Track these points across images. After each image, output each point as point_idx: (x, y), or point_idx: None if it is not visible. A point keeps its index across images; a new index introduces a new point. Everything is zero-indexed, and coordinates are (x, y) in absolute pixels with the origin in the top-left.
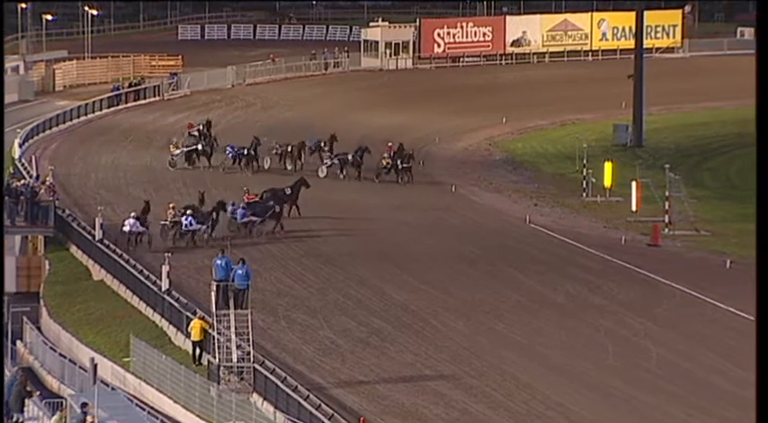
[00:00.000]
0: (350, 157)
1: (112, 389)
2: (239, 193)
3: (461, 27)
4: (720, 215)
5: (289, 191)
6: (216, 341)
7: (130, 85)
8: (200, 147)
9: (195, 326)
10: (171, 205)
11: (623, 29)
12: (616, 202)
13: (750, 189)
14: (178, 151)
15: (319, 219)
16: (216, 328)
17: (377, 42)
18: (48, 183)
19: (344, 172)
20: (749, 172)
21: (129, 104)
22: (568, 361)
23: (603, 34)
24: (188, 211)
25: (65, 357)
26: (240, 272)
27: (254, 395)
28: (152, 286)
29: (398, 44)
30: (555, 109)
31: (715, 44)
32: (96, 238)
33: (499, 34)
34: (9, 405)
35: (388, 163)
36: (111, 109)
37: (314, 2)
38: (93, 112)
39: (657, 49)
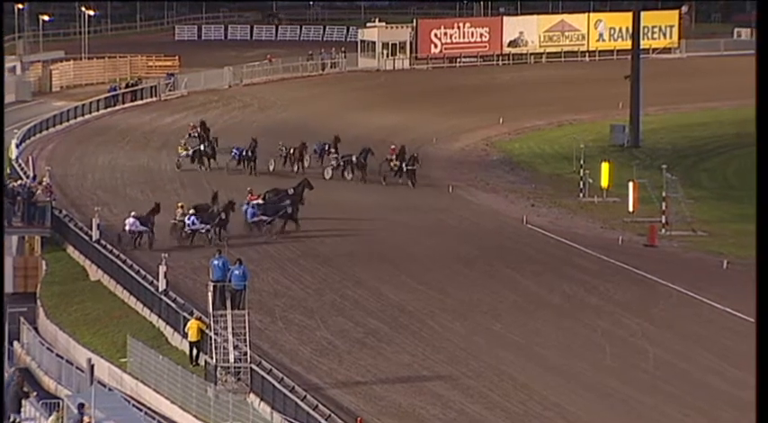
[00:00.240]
0: (354, 158)
1: (109, 389)
2: (237, 194)
3: (458, 27)
4: (717, 215)
5: (291, 191)
6: (213, 342)
7: (127, 86)
8: (201, 148)
9: (192, 326)
10: (179, 204)
11: (620, 29)
12: (613, 202)
13: (747, 189)
14: (185, 152)
15: (316, 219)
16: (213, 329)
17: (374, 43)
18: (45, 183)
19: (352, 174)
20: (746, 172)
21: (126, 105)
22: (565, 361)
23: (600, 35)
24: (190, 211)
25: (62, 358)
26: (237, 272)
27: (251, 395)
28: (149, 287)
29: (395, 45)
30: (552, 109)
31: (712, 45)
32: (93, 239)
33: (496, 35)
34: (6, 406)
35: (396, 165)
36: (108, 109)
37: (311, 2)
38: (90, 112)
39: (654, 49)
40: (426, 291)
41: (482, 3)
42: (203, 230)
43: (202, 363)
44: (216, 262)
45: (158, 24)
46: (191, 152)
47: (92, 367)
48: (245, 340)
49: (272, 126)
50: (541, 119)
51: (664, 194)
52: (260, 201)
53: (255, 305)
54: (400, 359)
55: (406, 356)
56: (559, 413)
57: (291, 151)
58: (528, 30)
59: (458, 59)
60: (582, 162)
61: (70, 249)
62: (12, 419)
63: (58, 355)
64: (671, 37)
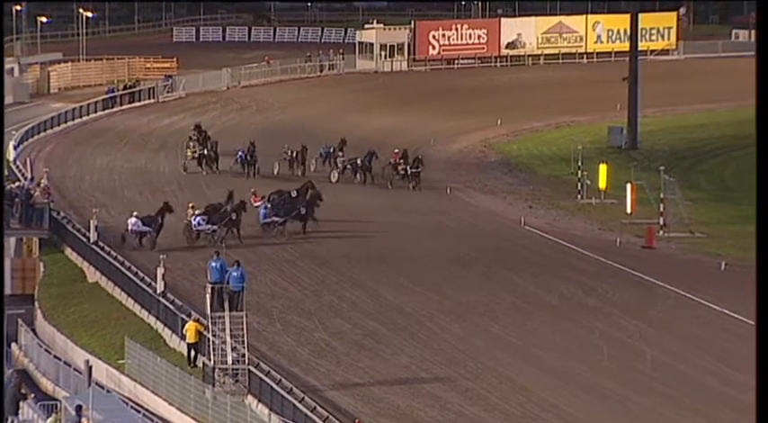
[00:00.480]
0: (359, 161)
1: (107, 391)
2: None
3: (456, 29)
4: (715, 217)
5: (295, 193)
6: (211, 343)
7: (125, 88)
8: (205, 152)
9: (190, 328)
10: (190, 204)
11: (618, 31)
12: (611, 204)
13: (745, 191)
14: (190, 155)
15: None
16: (211, 331)
17: (372, 44)
18: (42, 185)
19: (358, 177)
20: (744, 174)
21: (123, 107)
22: (563, 363)
23: (598, 36)
24: (196, 211)
25: (59, 359)
26: (235, 274)
27: (249, 397)
28: (147, 288)
29: (393, 46)
30: (550, 111)
31: (710, 46)
32: (91, 241)
33: (494, 36)
34: (4, 407)
35: (403, 168)
36: (106, 111)
37: (309, 4)
38: (88, 114)
39: (652, 51)
40: (424, 292)
41: (480, 4)
42: (209, 231)
43: (200, 364)
44: (214, 264)
45: (156, 26)
46: (197, 155)
47: (90, 369)
48: (243, 342)
49: (271, 128)
50: (539, 120)
51: (662, 196)
52: (260, 201)
53: (253, 307)
54: (398, 361)
55: (404, 358)
56: (557, 414)
57: (294, 154)
58: (526, 31)
59: (456, 61)
60: (580, 164)
61: (68, 251)
62: (10, 421)
63: (55, 356)
64: (669, 39)
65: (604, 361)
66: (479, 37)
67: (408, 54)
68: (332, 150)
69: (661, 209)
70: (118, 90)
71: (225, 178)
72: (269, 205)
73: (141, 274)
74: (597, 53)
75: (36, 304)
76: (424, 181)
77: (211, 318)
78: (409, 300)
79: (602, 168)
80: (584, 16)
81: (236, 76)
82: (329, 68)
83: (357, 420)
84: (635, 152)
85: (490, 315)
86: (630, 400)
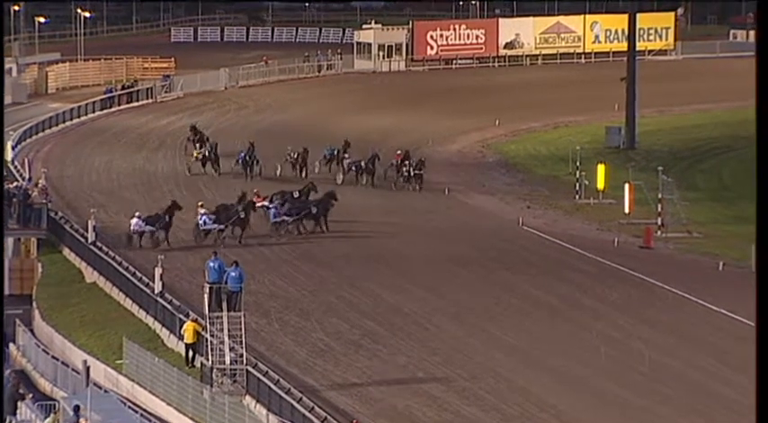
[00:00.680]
0: (363, 164)
1: (105, 391)
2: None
3: (454, 29)
4: (713, 217)
5: (297, 194)
6: (209, 343)
7: (123, 88)
8: (206, 153)
9: (188, 328)
10: (200, 203)
11: (616, 31)
12: (609, 204)
13: (742, 191)
14: (194, 157)
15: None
16: (209, 331)
17: (370, 44)
18: (40, 185)
19: (365, 179)
20: (742, 174)
21: (121, 107)
22: (561, 363)
23: (596, 37)
24: (202, 211)
25: (57, 360)
26: (233, 274)
27: (247, 397)
28: (145, 288)
29: (391, 46)
30: (548, 111)
31: (708, 46)
32: (89, 241)
33: (492, 37)
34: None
35: (407, 170)
36: (104, 111)
37: (307, 4)
38: (86, 114)
39: (650, 51)
40: (422, 293)
41: (478, 5)
42: (216, 230)
43: (198, 365)
44: (212, 264)
45: (154, 26)
46: (200, 157)
47: (87, 369)
48: (240, 342)
49: (269, 128)
50: (537, 121)
51: (659, 196)
52: (266, 203)
53: (251, 307)
54: (396, 361)
55: (401, 358)
56: (555, 415)
57: (295, 156)
58: (524, 32)
59: (454, 61)
60: (578, 164)
61: (66, 251)
62: (8, 421)
63: (53, 356)
64: (667, 39)
65: (602, 361)
66: (477, 37)
67: (406, 54)
68: (336, 152)
69: (659, 209)
70: (116, 90)
71: (224, 179)
72: (280, 205)
73: (139, 275)
74: (595, 53)
75: (34, 304)
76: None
77: (209, 318)
78: (407, 300)
79: (600, 168)
80: (582, 16)
81: (233, 76)
82: (327, 69)
83: (355, 420)
84: (633, 152)
85: (488, 315)
86: (628, 400)
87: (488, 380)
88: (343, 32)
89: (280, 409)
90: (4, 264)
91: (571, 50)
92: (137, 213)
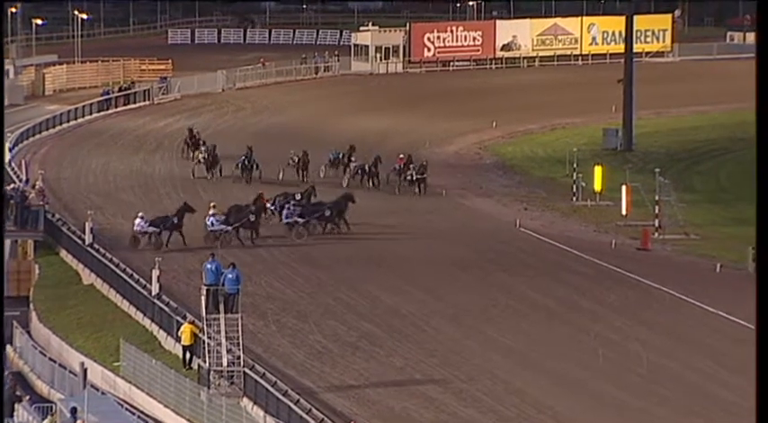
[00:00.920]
0: (366, 167)
1: (102, 393)
2: (233, 199)
3: (451, 31)
4: (710, 219)
5: (299, 196)
6: (206, 345)
7: (120, 90)
8: (205, 156)
9: (185, 330)
10: (212, 204)
11: (613, 33)
12: (606, 206)
13: (740, 193)
14: (196, 161)
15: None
16: (206, 333)
17: (367, 46)
18: (37, 187)
19: (370, 183)
20: (739, 176)
21: (119, 108)
22: (559, 365)
23: (593, 38)
24: (209, 212)
25: (55, 362)
26: (230, 276)
27: (245, 399)
28: (142, 290)
29: (389, 48)
30: (545, 113)
31: (705, 48)
32: (86, 243)
33: (489, 38)
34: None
35: (410, 174)
36: (102, 113)
37: (304, 6)
38: (84, 116)
39: (647, 53)
40: (420, 294)
41: (475, 6)
42: (223, 231)
43: (195, 366)
44: (209, 266)
45: (151, 28)
46: (202, 160)
47: (85, 371)
48: (238, 344)
49: (266, 130)
50: (534, 122)
51: (657, 198)
52: (269, 205)
53: (249, 309)
54: (393, 363)
55: (399, 360)
56: (552, 416)
57: (297, 160)
58: (521, 33)
59: (451, 63)
60: (575, 166)
61: (63, 253)
62: None
63: (50, 358)
64: (664, 41)
65: (600, 362)
66: (474, 39)
67: (403, 56)
68: (341, 156)
69: (656, 211)
70: (113, 92)
71: (223, 182)
72: (295, 205)
73: (136, 276)
74: (592, 55)
75: (31, 306)
76: None
77: (206, 320)
78: (404, 302)
79: (598, 170)
80: (579, 18)
81: (231, 78)
82: (324, 70)
83: (352, 422)
84: (630, 154)
85: (485, 317)
86: (626, 402)
87: (485, 381)
88: (341, 34)
89: (277, 411)
90: (3, 264)
91: (568, 52)
92: (140, 214)
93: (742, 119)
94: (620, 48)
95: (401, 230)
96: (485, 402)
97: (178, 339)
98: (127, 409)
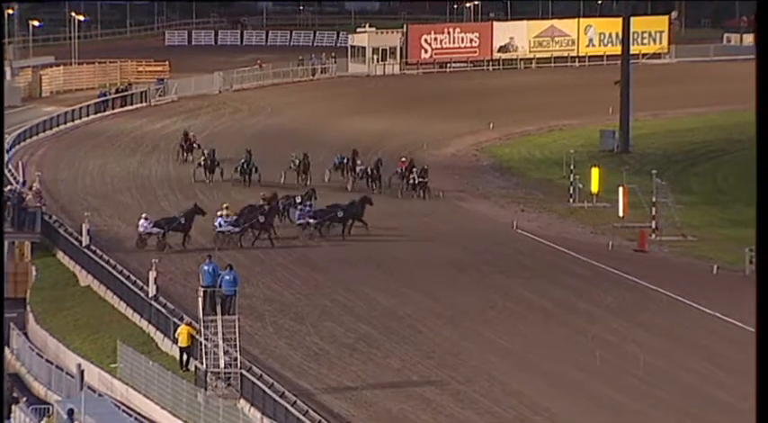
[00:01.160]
0: (369, 170)
1: (99, 395)
2: (231, 202)
3: (448, 33)
4: (707, 221)
5: (299, 200)
6: (203, 347)
7: (117, 91)
8: (201, 160)
9: (182, 332)
10: (224, 205)
11: (610, 35)
12: (603, 207)
13: (736, 194)
14: (197, 164)
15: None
16: (203, 334)
17: (364, 48)
18: (34, 188)
19: (375, 186)
20: (736, 177)
21: (116, 110)
22: (556, 366)
23: (590, 40)
24: (219, 213)
25: (51, 363)
26: (227, 278)
27: (242, 401)
28: (139, 292)
29: (385, 50)
30: (542, 115)
31: (701, 50)
32: (83, 244)
33: (486, 40)
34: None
35: (413, 179)
36: (98, 115)
37: (301, 7)
38: (80, 117)
39: (644, 54)
40: (417, 296)
41: (472, 8)
42: (231, 232)
43: (192, 368)
44: (206, 267)
45: (148, 30)
46: (201, 163)
47: (82, 373)
48: (235, 346)
49: (263, 131)
50: (531, 124)
51: (654, 200)
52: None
53: (246, 310)
54: (390, 364)
55: (396, 362)
56: (549, 418)
57: (297, 163)
58: (518, 35)
59: (448, 65)
60: (572, 167)
61: (60, 255)
62: None
63: (47, 360)
64: (661, 42)
65: (596, 364)
66: (471, 40)
67: (400, 58)
68: (345, 160)
69: (653, 212)
70: (110, 93)
71: (221, 185)
72: (305, 207)
73: (133, 278)
74: (589, 57)
75: (28, 308)
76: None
77: (204, 321)
78: (401, 303)
79: (594, 172)
80: (576, 20)
81: (228, 79)
82: (321, 72)
83: None
84: (627, 156)
85: (482, 319)
86: (623, 404)
87: (483, 383)
88: (338, 36)
89: (274, 412)
90: (3, 265)
91: (565, 54)
92: (144, 215)
93: (739, 120)
94: (617, 49)
95: (398, 232)
96: (482, 404)
97: (175, 341)
98: (124, 410)
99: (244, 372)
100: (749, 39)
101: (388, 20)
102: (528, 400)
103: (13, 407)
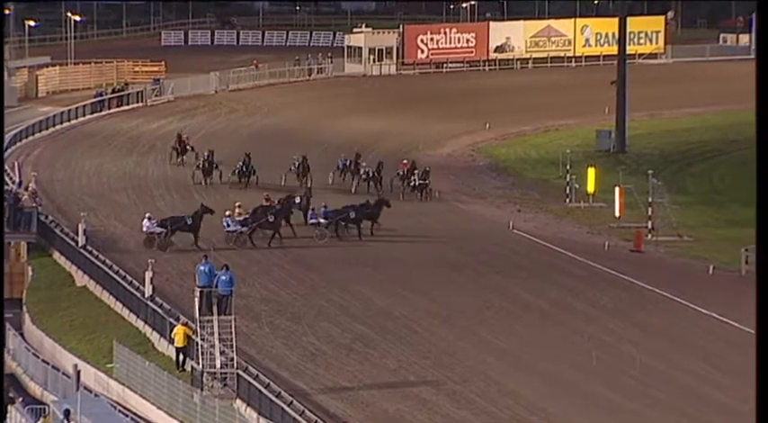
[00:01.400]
0: (371, 172)
1: (95, 395)
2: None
3: (445, 33)
4: (703, 221)
5: (298, 200)
6: (199, 347)
7: (114, 91)
8: (200, 163)
9: (179, 332)
10: (237, 204)
11: (606, 35)
12: (599, 207)
13: (732, 195)
14: (195, 166)
15: (303, 225)
16: (199, 335)
17: (360, 48)
18: (30, 189)
19: (378, 188)
20: (732, 178)
21: (112, 110)
22: (552, 366)
23: (587, 40)
24: (226, 212)
25: (48, 364)
26: (224, 278)
27: (238, 401)
28: (135, 292)
29: (382, 50)
30: (538, 115)
31: (698, 50)
32: (79, 244)
33: (483, 40)
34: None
35: (415, 181)
36: (95, 115)
37: (297, 7)
38: (77, 117)
39: (640, 55)
40: (413, 296)
41: (468, 8)
42: (238, 232)
43: (189, 368)
44: (202, 268)
45: (144, 30)
46: (200, 166)
47: (78, 373)
48: (231, 346)
49: (259, 132)
50: (528, 124)
51: (650, 200)
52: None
53: (242, 311)
54: (387, 364)
55: (392, 362)
56: (546, 418)
57: (297, 165)
58: (514, 35)
59: (444, 65)
60: (568, 167)
61: (56, 255)
62: None
63: (44, 360)
64: (657, 42)
65: (593, 364)
66: (468, 41)
67: (397, 58)
68: (348, 163)
69: (649, 212)
70: (106, 94)
71: (220, 186)
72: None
73: (129, 278)
74: (586, 57)
75: (24, 308)
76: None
77: (200, 322)
78: (398, 303)
79: (591, 172)
80: (572, 20)
81: (224, 79)
82: (318, 72)
83: None
84: (623, 156)
85: (479, 319)
86: (619, 404)
87: (479, 383)
88: (334, 36)
89: (270, 412)
90: (3, 265)
91: (561, 54)
92: (147, 215)
93: (735, 120)
94: (614, 49)
95: (395, 233)
96: (478, 404)
97: (171, 341)
98: (120, 410)
99: (240, 372)
100: (745, 39)
101: (385, 20)
102: (524, 401)
103: (9, 407)
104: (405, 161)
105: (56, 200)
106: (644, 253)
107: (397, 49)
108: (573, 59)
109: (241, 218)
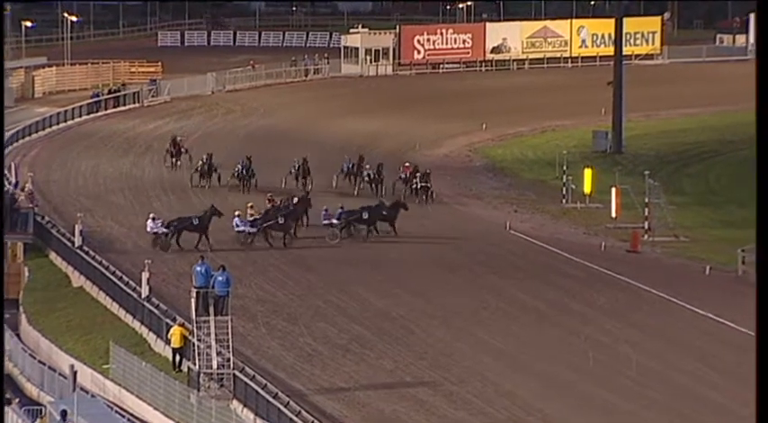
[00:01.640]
0: (371, 174)
1: (92, 396)
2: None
3: (441, 34)
4: (700, 221)
5: (296, 200)
6: (196, 348)
7: (110, 92)
8: (199, 165)
9: (175, 333)
10: (249, 205)
11: (603, 35)
12: (596, 208)
13: (729, 195)
14: (194, 169)
15: (300, 226)
16: (196, 335)
17: (357, 49)
18: (27, 189)
19: (381, 190)
20: (729, 178)
21: (108, 111)
22: (549, 367)
23: (583, 41)
24: (236, 212)
25: (44, 364)
26: (220, 278)
27: (234, 402)
28: (132, 293)
29: (378, 51)
30: (535, 115)
31: (694, 51)
32: (76, 245)
33: (479, 41)
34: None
35: (416, 183)
36: (91, 115)
37: (294, 8)
38: (73, 118)
39: (637, 55)
40: (410, 297)
41: (465, 9)
42: (247, 232)
43: (185, 369)
44: (199, 268)
45: (141, 30)
46: (199, 169)
47: (74, 374)
48: (228, 346)
49: (255, 132)
50: (524, 125)
51: (646, 200)
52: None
53: (239, 311)
54: (383, 365)
55: (389, 362)
56: (542, 419)
57: (297, 167)
58: (511, 36)
59: (441, 65)
60: (565, 168)
61: (53, 256)
62: None
63: (40, 361)
64: (653, 43)
65: (589, 365)
66: (464, 41)
67: (393, 58)
68: (352, 166)
69: (646, 213)
70: (103, 94)
71: (218, 188)
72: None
73: (126, 279)
74: (582, 58)
75: (20, 309)
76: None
77: (196, 322)
78: (394, 304)
79: (587, 173)
80: (568, 21)
81: (221, 80)
82: (314, 73)
83: None
84: (620, 156)
85: (475, 319)
86: (615, 405)
87: (476, 384)
88: (331, 37)
89: (267, 413)
90: (3, 264)
91: (558, 55)
92: (151, 215)
93: (731, 121)
94: (610, 50)
95: (391, 232)
96: (475, 405)
97: (168, 342)
98: (116, 411)
99: (236, 372)
100: (742, 40)
101: (381, 21)
102: (521, 401)
103: (5, 408)
104: (407, 164)
105: (52, 200)
106: (640, 253)
107: (394, 49)
108: (569, 60)
109: (251, 219)
